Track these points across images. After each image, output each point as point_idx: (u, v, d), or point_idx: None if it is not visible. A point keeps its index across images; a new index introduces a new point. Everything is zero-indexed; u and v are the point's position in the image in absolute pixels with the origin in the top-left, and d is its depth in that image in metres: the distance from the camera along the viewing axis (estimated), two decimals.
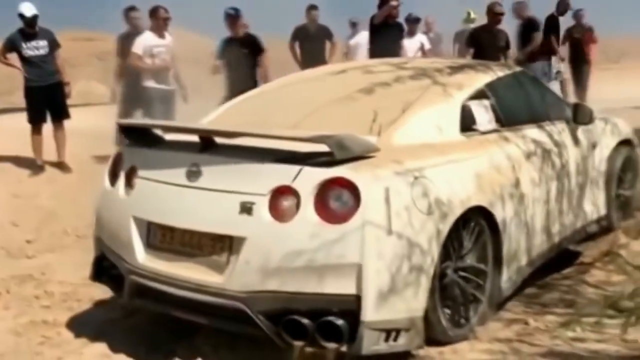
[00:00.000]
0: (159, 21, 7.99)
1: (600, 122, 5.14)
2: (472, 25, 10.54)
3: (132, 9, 8.39)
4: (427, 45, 10.02)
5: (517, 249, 3.92)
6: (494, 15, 8.81)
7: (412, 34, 9.93)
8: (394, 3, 8.27)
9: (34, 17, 7.71)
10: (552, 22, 10.44)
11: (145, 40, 7.95)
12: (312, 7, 9.61)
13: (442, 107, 3.85)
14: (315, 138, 3.12)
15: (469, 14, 10.67)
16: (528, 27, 9.61)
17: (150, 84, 7.93)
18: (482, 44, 8.69)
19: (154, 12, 8.03)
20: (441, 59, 6.20)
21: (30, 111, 7.87)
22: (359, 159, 3.18)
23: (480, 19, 10.30)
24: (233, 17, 8.17)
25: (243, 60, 8.05)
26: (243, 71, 7.98)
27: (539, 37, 9.59)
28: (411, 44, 9.79)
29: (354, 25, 10.80)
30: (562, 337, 3.58)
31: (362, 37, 10.29)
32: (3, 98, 16.45)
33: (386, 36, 8.27)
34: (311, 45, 9.46)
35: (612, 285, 4.29)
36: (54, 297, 4.70)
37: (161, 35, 8.00)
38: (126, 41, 8.31)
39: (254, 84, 7.92)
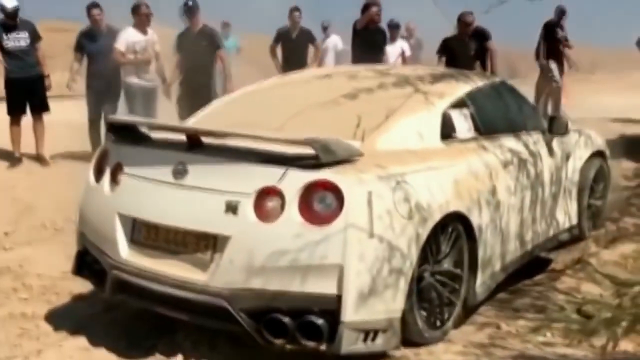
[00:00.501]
0: (141, 17, 7.98)
1: (575, 134, 5.29)
2: None
3: (94, 5, 8.15)
4: (408, 52, 10.15)
5: (491, 254, 4.03)
6: (464, 24, 8.99)
7: (393, 39, 10.04)
8: (374, 9, 8.35)
9: (15, 9, 7.68)
10: (547, 28, 10.66)
11: (128, 37, 7.94)
12: (294, 9, 9.64)
13: (424, 114, 3.95)
14: (302, 141, 3.19)
15: None
16: (476, 37, 9.83)
17: (132, 79, 7.93)
18: (454, 52, 8.86)
19: (136, 9, 8.02)
20: (423, 66, 6.30)
21: (10, 103, 7.84)
22: (343, 163, 3.27)
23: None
24: (192, 9, 7.92)
25: (201, 54, 7.84)
26: (200, 66, 7.81)
27: (493, 45, 9.78)
28: (392, 50, 9.91)
29: (325, 29, 10.87)
30: (532, 342, 3.70)
31: (331, 41, 10.40)
32: None
33: (369, 41, 8.35)
34: (293, 48, 9.47)
35: (581, 293, 4.43)
36: (33, 290, 4.71)
37: (144, 32, 8.00)
38: (85, 38, 8.19)
39: (210, 80, 7.91)
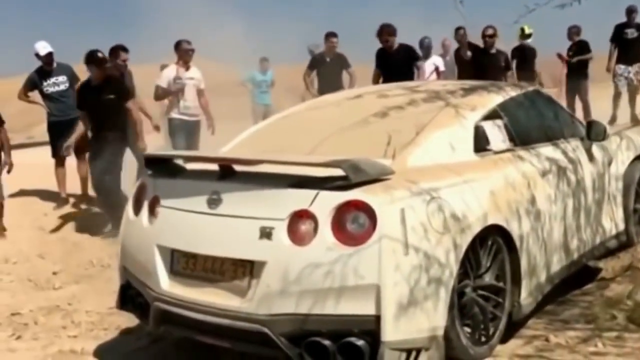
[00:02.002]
0: (182, 53, 8.11)
1: (616, 138, 5.17)
2: (529, 41, 10.58)
3: (122, 48, 7.88)
4: (442, 67, 10.08)
5: (535, 266, 3.95)
6: (484, 37, 9.14)
7: (426, 57, 10.01)
8: (386, 37, 8.32)
9: (50, 55, 7.92)
10: (615, 30, 10.62)
11: (170, 73, 8.08)
12: (330, 34, 9.54)
13: (455, 128, 3.91)
14: (331, 163, 3.19)
15: (522, 29, 10.64)
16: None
17: (174, 114, 8.05)
18: (481, 66, 8.92)
19: (178, 45, 8.15)
20: (453, 81, 6.27)
21: (54, 145, 8.04)
22: (375, 182, 3.25)
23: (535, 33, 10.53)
24: (100, 60, 7.07)
25: (107, 108, 6.95)
26: (109, 120, 6.97)
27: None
28: (426, 66, 9.86)
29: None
30: (582, 352, 3.61)
31: None
32: (22, 133, 16.77)
33: (393, 61, 8.30)
34: (327, 73, 9.36)
35: (633, 300, 4.30)
36: (81, 326, 4.80)
37: (186, 68, 8.13)
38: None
39: (123, 135, 7.05)
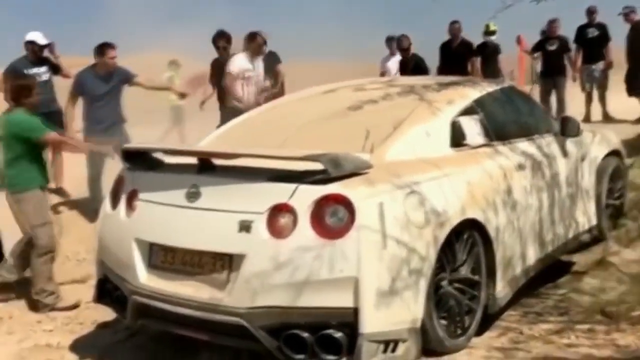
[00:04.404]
0: (255, 46, 7.84)
1: (589, 134, 5.26)
2: (493, 38, 10.64)
3: (110, 46, 7.41)
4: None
5: (510, 259, 4.01)
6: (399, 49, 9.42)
7: (392, 53, 9.94)
8: (259, 39, 8.10)
9: (47, 46, 7.82)
10: (577, 32, 10.78)
11: (241, 62, 7.74)
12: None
13: (432, 123, 3.95)
14: (310, 157, 3.21)
15: (487, 26, 10.65)
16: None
17: (237, 104, 7.58)
18: (404, 73, 9.12)
19: (252, 37, 7.83)
20: (430, 76, 6.31)
21: None
22: (353, 176, 3.28)
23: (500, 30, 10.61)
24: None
25: None
26: None
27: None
28: (393, 64, 9.82)
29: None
30: (556, 344, 3.67)
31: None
32: None
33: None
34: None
35: (605, 293, 4.39)
36: (57, 321, 4.78)
37: (254, 60, 7.96)
38: (89, 80, 7.34)
39: None
